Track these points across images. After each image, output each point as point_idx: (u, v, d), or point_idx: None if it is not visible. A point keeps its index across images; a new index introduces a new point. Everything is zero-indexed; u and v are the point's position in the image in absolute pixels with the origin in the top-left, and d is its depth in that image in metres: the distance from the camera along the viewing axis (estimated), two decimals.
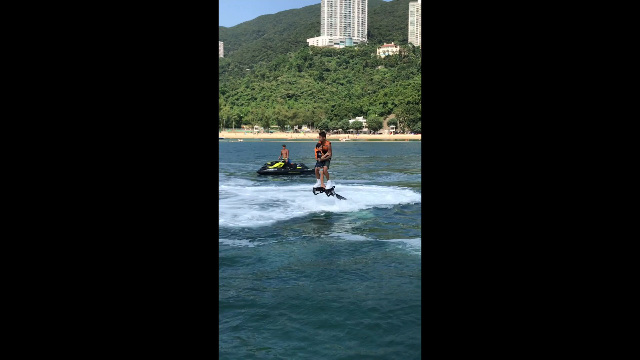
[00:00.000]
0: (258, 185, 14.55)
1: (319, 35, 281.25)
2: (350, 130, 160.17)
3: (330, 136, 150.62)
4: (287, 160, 18.48)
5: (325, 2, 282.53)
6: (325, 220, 8.56)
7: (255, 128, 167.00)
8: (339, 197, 10.07)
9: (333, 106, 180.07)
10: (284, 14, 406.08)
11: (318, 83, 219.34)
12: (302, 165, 18.70)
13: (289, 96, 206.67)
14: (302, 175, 17.77)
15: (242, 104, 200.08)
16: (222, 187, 13.70)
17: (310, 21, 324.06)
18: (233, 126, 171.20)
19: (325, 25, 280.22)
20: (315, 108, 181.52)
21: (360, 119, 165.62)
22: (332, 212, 9.06)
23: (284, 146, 19.53)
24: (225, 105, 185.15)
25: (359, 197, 10.78)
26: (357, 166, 25.27)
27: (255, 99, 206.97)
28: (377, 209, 9.41)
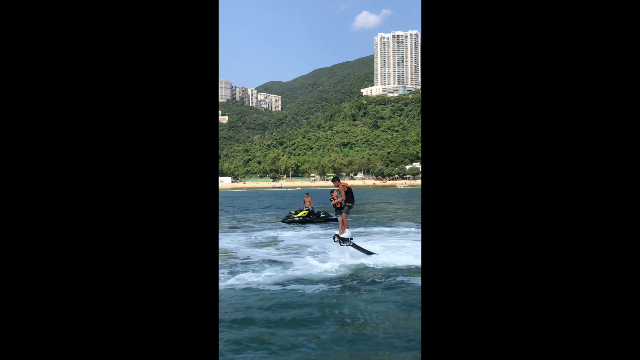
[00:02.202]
0: (299, 231, 15.34)
1: (373, 85, 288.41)
2: (408, 176, 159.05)
3: (386, 182, 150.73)
4: (310, 209, 18.69)
5: (379, 54, 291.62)
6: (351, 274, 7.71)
7: (312, 176, 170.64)
8: (363, 250, 8.92)
9: (388, 153, 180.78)
10: (338, 67, 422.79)
11: (373, 131, 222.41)
12: (325, 213, 18.81)
13: (344, 144, 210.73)
14: (326, 222, 17.96)
15: (299, 154, 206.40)
16: (281, 233, 14.71)
17: (364, 72, 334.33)
18: (291, 175, 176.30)
19: (379, 75, 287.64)
20: (370, 155, 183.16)
21: (417, 164, 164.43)
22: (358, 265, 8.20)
23: (307, 194, 19.74)
24: (283, 155, 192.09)
25: (397, 251, 9.58)
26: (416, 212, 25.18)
27: (312, 148, 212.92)
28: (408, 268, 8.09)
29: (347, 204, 9.28)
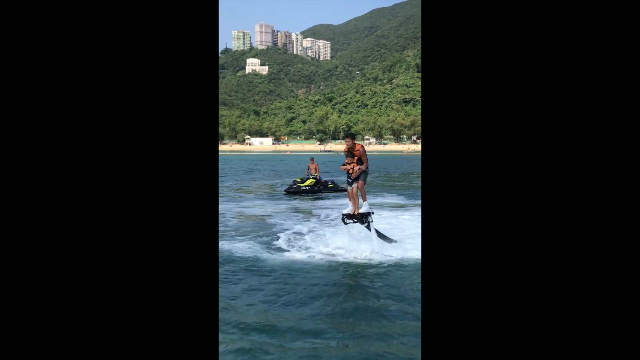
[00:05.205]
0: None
1: None
2: None
3: None
4: (317, 177, 18.99)
5: None
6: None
7: (367, 139, 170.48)
8: (382, 236, 8.33)
9: None
10: (400, 6, 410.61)
11: None
12: (333, 182, 19.45)
13: (406, 101, 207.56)
14: (335, 193, 18.48)
15: (351, 112, 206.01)
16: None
17: None
18: (341, 137, 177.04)
19: None
20: None
21: None
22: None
23: (312, 159, 19.79)
24: (333, 113, 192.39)
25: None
26: None
27: (367, 105, 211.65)
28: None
29: (365, 170, 8.35)
